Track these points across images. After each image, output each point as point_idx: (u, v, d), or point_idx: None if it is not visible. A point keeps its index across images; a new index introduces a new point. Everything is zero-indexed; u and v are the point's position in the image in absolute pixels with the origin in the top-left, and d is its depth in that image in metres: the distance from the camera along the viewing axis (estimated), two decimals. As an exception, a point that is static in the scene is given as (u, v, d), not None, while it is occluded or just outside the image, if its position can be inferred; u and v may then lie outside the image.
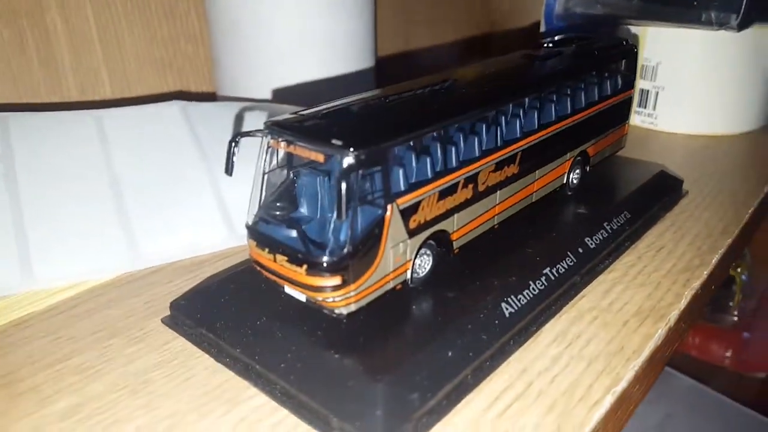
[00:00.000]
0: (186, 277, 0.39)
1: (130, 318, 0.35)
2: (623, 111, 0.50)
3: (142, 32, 0.62)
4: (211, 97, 0.67)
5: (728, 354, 0.95)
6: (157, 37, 0.64)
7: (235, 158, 0.30)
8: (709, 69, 0.66)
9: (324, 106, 0.31)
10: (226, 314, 0.32)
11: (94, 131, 0.43)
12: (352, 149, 0.26)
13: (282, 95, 0.58)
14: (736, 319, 0.97)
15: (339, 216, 0.26)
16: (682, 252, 0.42)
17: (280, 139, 0.29)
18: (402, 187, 0.29)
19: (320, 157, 0.27)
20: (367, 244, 0.28)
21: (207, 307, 0.33)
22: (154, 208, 0.42)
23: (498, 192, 0.36)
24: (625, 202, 0.45)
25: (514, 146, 0.37)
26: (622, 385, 0.29)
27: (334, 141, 0.27)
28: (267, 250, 0.29)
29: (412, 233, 0.31)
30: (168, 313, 0.35)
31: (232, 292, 0.34)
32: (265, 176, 0.30)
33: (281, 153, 0.30)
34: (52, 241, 0.38)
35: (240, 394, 0.29)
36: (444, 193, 0.32)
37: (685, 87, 0.67)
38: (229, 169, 0.30)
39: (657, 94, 0.70)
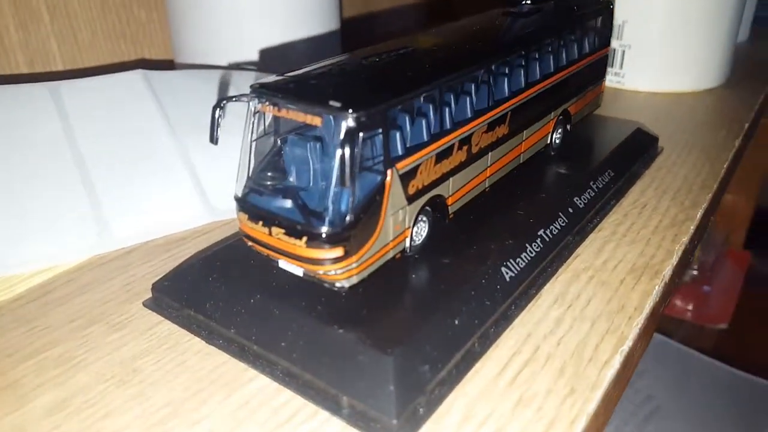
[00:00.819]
0: (164, 257, 0.37)
1: (108, 303, 0.33)
2: (600, 69, 0.50)
3: (91, -2, 0.58)
4: (169, 65, 0.63)
5: (690, 307, 0.98)
6: (109, 3, 0.59)
7: (219, 125, 0.28)
8: (674, 27, 0.66)
9: (309, 68, 0.29)
10: (215, 293, 0.31)
11: (51, 105, 0.40)
12: (352, 111, 0.25)
13: (245, 60, 0.55)
14: (696, 273, 1.00)
15: (343, 182, 0.24)
16: (665, 208, 0.42)
17: (270, 103, 0.27)
18: (400, 151, 0.28)
19: (317, 121, 0.26)
20: (368, 212, 0.27)
21: (193, 287, 0.31)
22: (124, 184, 0.39)
23: (489, 154, 0.35)
24: (607, 160, 0.45)
25: (504, 106, 0.36)
26: (629, 343, 0.29)
27: (332, 103, 0.25)
28: (261, 222, 0.27)
29: (410, 199, 0.29)
30: (149, 295, 0.33)
31: (219, 270, 0.32)
32: (253, 144, 0.28)
33: (269, 119, 0.28)
34: (16, 224, 0.35)
35: (238, 377, 0.28)
36: (440, 156, 0.31)
37: (651, 45, 0.68)
38: (213, 138, 0.28)
39: (623, 52, 0.70)
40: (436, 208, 0.32)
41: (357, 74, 0.29)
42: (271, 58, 0.56)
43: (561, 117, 0.44)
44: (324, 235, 0.26)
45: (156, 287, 0.33)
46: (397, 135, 0.28)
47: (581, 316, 0.31)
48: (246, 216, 0.28)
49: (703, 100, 0.66)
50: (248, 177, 0.28)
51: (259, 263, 0.30)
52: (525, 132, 0.39)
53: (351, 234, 0.26)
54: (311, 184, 0.27)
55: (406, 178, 0.29)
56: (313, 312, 0.28)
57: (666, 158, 0.50)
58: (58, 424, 0.26)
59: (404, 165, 0.28)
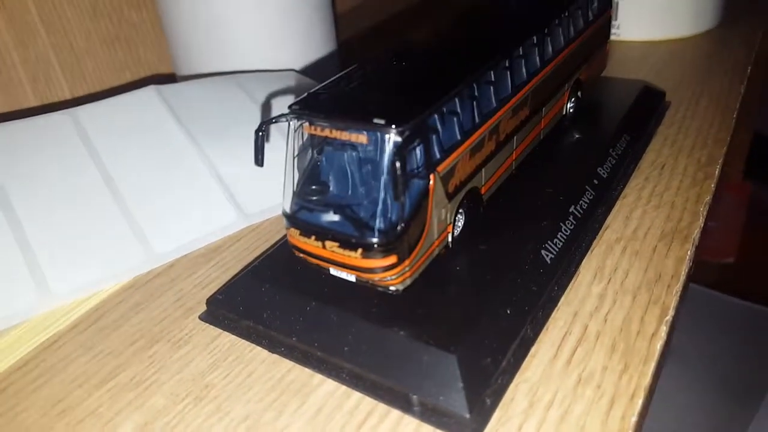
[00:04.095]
0: (206, 267, 0.38)
1: (164, 320, 0.34)
2: (605, 31, 0.50)
3: (82, 4, 0.57)
4: (166, 64, 0.63)
5: (695, 244, 1.00)
6: (100, 8, 0.58)
7: (263, 148, 0.29)
8: (666, -29, 0.66)
9: (338, 80, 0.30)
10: (270, 303, 0.32)
11: (73, 130, 0.40)
12: (396, 126, 0.25)
13: (244, 62, 0.54)
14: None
15: (396, 197, 0.25)
16: (683, 167, 0.43)
17: (311, 124, 0.27)
18: (439, 155, 0.29)
19: (362, 139, 0.26)
20: (416, 218, 0.28)
21: (248, 298, 0.33)
22: (156, 200, 0.40)
23: (515, 138, 0.36)
24: (621, 124, 0.45)
25: (525, 89, 0.36)
26: (671, 312, 0.31)
27: (376, 120, 0.26)
28: (314, 237, 0.28)
29: (450, 196, 0.30)
30: (203, 308, 0.34)
31: (270, 279, 0.33)
32: (296, 160, 0.29)
33: (305, 134, 0.29)
34: (62, 252, 0.36)
35: (307, 383, 0.29)
36: (474, 150, 0.32)
37: (644, -8, 0.67)
38: (259, 160, 0.29)
39: (617, 3, 0.69)
40: (472, 199, 0.33)
41: (389, 83, 0.29)
42: (265, 59, 0.55)
43: (573, 86, 0.44)
44: (378, 246, 0.27)
45: (210, 301, 0.34)
46: (435, 138, 0.29)
47: (622, 289, 0.32)
48: (298, 231, 0.29)
49: (701, 44, 0.66)
50: (294, 193, 0.29)
51: (307, 270, 0.31)
52: (544, 109, 0.40)
53: (402, 241, 0.27)
54: (358, 196, 0.28)
55: (446, 178, 0.29)
56: (370, 315, 0.29)
57: (675, 112, 0.51)
58: (147, 448, 0.27)
59: (444, 167, 0.29)
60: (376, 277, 0.28)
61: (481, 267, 0.32)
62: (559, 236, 0.34)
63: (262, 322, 0.31)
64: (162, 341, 0.33)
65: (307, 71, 0.57)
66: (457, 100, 0.30)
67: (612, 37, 0.71)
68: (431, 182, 0.28)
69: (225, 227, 0.40)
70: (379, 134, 0.26)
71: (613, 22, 0.70)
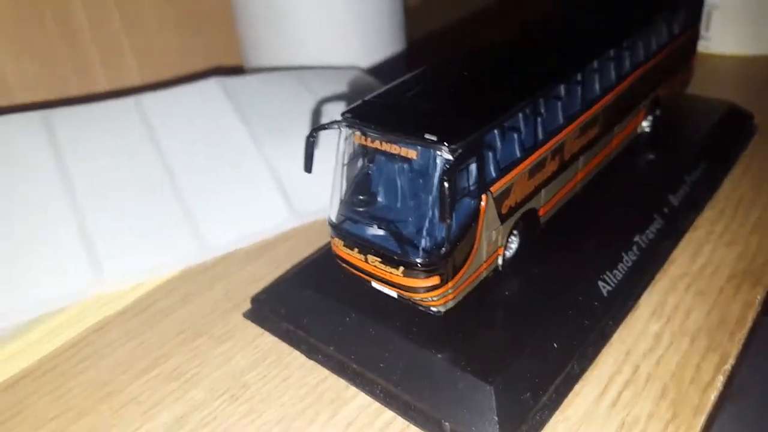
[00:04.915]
0: (257, 262, 0.38)
1: (211, 314, 0.35)
2: (691, 45, 0.47)
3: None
4: (235, 53, 0.63)
5: None
6: (172, -7, 0.60)
7: (313, 154, 0.28)
8: (769, -17, 0.61)
9: (397, 87, 0.29)
10: (311, 309, 0.32)
11: (136, 118, 0.42)
12: (448, 144, 0.25)
13: (313, 59, 0.54)
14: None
15: (443, 218, 0.24)
16: (764, 202, 0.40)
17: (362, 133, 0.27)
18: (494, 173, 0.28)
19: (412, 154, 0.25)
20: (464, 239, 0.27)
21: (290, 301, 0.33)
22: (213, 193, 0.40)
23: (581, 157, 0.34)
24: (700, 148, 0.43)
25: (596, 106, 0.34)
26: (731, 362, 0.29)
27: (427, 136, 0.25)
28: (357, 250, 0.28)
29: (504, 218, 0.29)
30: (249, 305, 0.35)
31: (313, 285, 0.33)
32: (345, 168, 0.29)
33: (356, 143, 0.28)
34: (117, 237, 0.37)
35: (341, 395, 0.29)
36: (533, 171, 0.30)
37: (741, 3, 0.63)
38: (308, 167, 0.29)
39: (710, 13, 0.65)
40: (528, 221, 0.32)
41: (449, 93, 0.28)
42: (337, 54, 0.55)
43: (651, 103, 0.42)
44: (421, 266, 0.26)
45: (255, 300, 0.34)
46: (491, 156, 0.27)
47: (680, 330, 0.30)
48: (342, 242, 0.29)
49: (800, 64, 0.61)
50: (341, 202, 0.29)
51: (350, 279, 0.31)
52: (616, 128, 0.38)
53: (446, 263, 0.26)
54: (405, 211, 0.27)
55: (500, 198, 0.28)
56: (410, 334, 0.29)
57: (762, 139, 0.47)
58: (180, 442, 0.28)
59: (498, 187, 0.28)
60: (417, 296, 0.27)
61: (532, 294, 0.31)
62: (619, 267, 0.32)
63: (302, 326, 0.31)
64: (206, 335, 0.33)
65: (374, 69, 0.56)
66: (520, 116, 0.29)
67: (701, 49, 0.66)
68: (483, 203, 0.27)
69: (278, 225, 0.40)
70: (430, 151, 0.25)
71: (704, 33, 0.66)
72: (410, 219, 0.27)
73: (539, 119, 0.30)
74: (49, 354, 0.33)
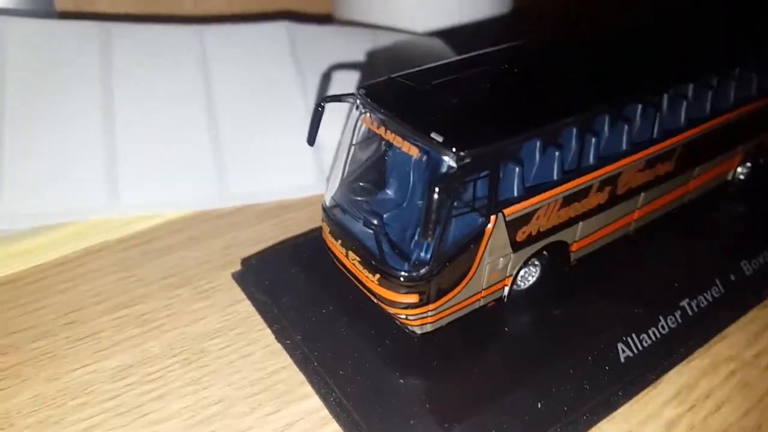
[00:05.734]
0: (270, 222, 0.36)
1: (203, 265, 0.33)
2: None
3: None
4: (326, 19, 0.60)
5: None
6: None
7: (319, 125, 0.25)
8: None
9: (430, 72, 0.25)
10: (293, 289, 0.29)
11: (195, 50, 0.40)
12: (455, 150, 0.21)
13: (406, 24, 0.50)
14: None
15: (425, 234, 0.21)
16: None
17: (369, 115, 0.23)
18: (515, 193, 0.23)
19: (414, 151, 0.22)
20: (457, 261, 0.23)
21: (276, 274, 0.30)
22: (248, 141, 0.38)
23: (642, 194, 0.29)
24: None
25: (676, 139, 0.29)
26: (753, 485, 0.23)
27: (433, 135, 0.21)
28: (340, 242, 0.25)
29: (517, 246, 0.25)
30: (240, 267, 0.33)
31: (303, 265, 0.30)
32: (352, 149, 0.25)
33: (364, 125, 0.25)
34: (141, 165, 0.36)
35: (294, 390, 0.26)
36: (570, 199, 0.25)
37: None
38: (312, 138, 0.26)
39: None
40: (553, 255, 0.27)
41: (482, 91, 0.24)
42: (436, 24, 0.51)
43: (751, 149, 0.35)
44: (397, 280, 0.22)
45: (245, 263, 0.32)
46: (515, 173, 0.23)
47: (703, 425, 0.25)
48: (328, 229, 0.25)
49: None
50: (339, 185, 0.26)
51: (340, 271, 0.28)
52: (699, 168, 0.31)
53: (429, 282, 0.22)
54: (399, 213, 0.24)
55: (517, 224, 0.24)
56: (380, 346, 0.26)
57: None
58: (117, 393, 0.26)
59: (516, 210, 0.24)
60: (391, 310, 0.24)
61: (535, 337, 0.26)
62: (651, 331, 0.27)
63: (279, 305, 0.29)
64: (189, 286, 0.32)
65: (460, 36, 0.51)
66: (565, 133, 0.24)
67: None
68: (490, 225, 0.23)
69: (303, 188, 0.38)
70: (432, 153, 0.21)
71: None
72: (400, 223, 0.23)
73: (593, 140, 0.25)
74: (42, 265, 0.33)
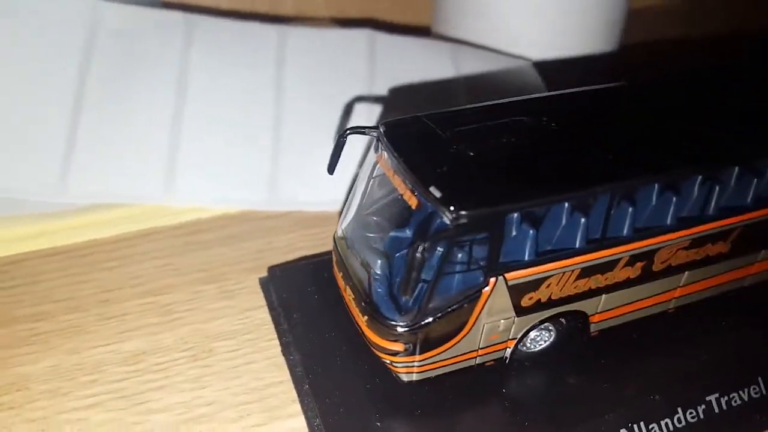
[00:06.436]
0: (306, 232, 0.37)
1: (236, 265, 0.34)
2: None
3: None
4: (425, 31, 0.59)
5: None
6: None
7: (340, 155, 0.25)
8: None
9: (460, 111, 0.24)
10: (305, 307, 0.29)
11: (274, 52, 0.41)
12: (452, 209, 0.20)
13: (503, 45, 0.48)
14: None
15: (403, 290, 0.20)
16: None
17: (383, 155, 0.23)
18: (525, 257, 0.22)
19: (413, 202, 0.21)
20: (449, 317, 0.22)
21: (294, 288, 0.31)
22: (306, 148, 0.39)
23: (686, 273, 0.27)
24: None
25: (734, 219, 0.26)
26: None
27: (432, 189, 0.20)
28: (341, 275, 0.25)
29: (522, 311, 0.23)
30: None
31: (320, 284, 0.30)
32: (369, 181, 0.25)
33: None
34: (201, 159, 0.38)
35: (284, 407, 0.27)
36: (590, 270, 0.24)
37: None
38: (332, 168, 0.26)
39: None
40: (570, 323, 0.25)
41: (501, 147, 0.23)
42: (538, 52, 0.49)
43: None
44: (383, 326, 0.22)
45: (271, 271, 0.33)
46: (527, 236, 0.22)
47: None
48: (335, 259, 0.25)
49: None
50: (351, 219, 0.25)
51: (355, 297, 0.28)
52: (763, 253, 0.28)
53: (414, 335, 0.22)
54: (397, 257, 0.23)
55: (522, 289, 0.23)
56: (369, 384, 0.25)
57: None
58: (125, 377, 0.28)
59: (521, 276, 0.22)
60: (378, 353, 0.24)
61: (533, 406, 0.25)
62: (665, 424, 0.25)
63: (290, 320, 0.29)
64: (216, 284, 0.33)
65: (557, 68, 0.49)
66: (587, 202, 0.22)
67: None
68: (488, 288, 0.22)
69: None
70: (429, 206, 0.20)
71: None
72: (395, 269, 0.23)
73: (629, 210, 0.23)
74: (95, 240, 0.35)
